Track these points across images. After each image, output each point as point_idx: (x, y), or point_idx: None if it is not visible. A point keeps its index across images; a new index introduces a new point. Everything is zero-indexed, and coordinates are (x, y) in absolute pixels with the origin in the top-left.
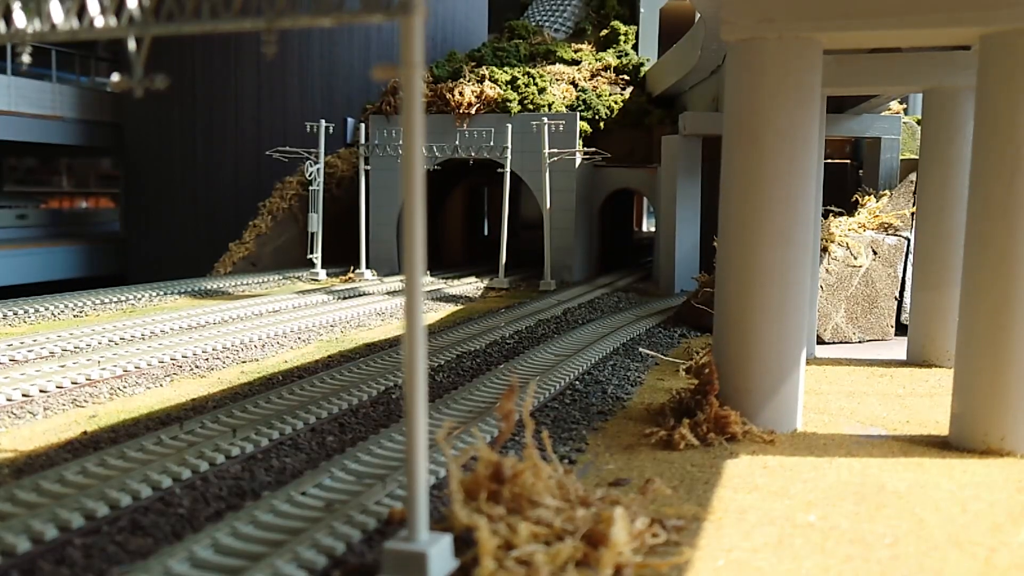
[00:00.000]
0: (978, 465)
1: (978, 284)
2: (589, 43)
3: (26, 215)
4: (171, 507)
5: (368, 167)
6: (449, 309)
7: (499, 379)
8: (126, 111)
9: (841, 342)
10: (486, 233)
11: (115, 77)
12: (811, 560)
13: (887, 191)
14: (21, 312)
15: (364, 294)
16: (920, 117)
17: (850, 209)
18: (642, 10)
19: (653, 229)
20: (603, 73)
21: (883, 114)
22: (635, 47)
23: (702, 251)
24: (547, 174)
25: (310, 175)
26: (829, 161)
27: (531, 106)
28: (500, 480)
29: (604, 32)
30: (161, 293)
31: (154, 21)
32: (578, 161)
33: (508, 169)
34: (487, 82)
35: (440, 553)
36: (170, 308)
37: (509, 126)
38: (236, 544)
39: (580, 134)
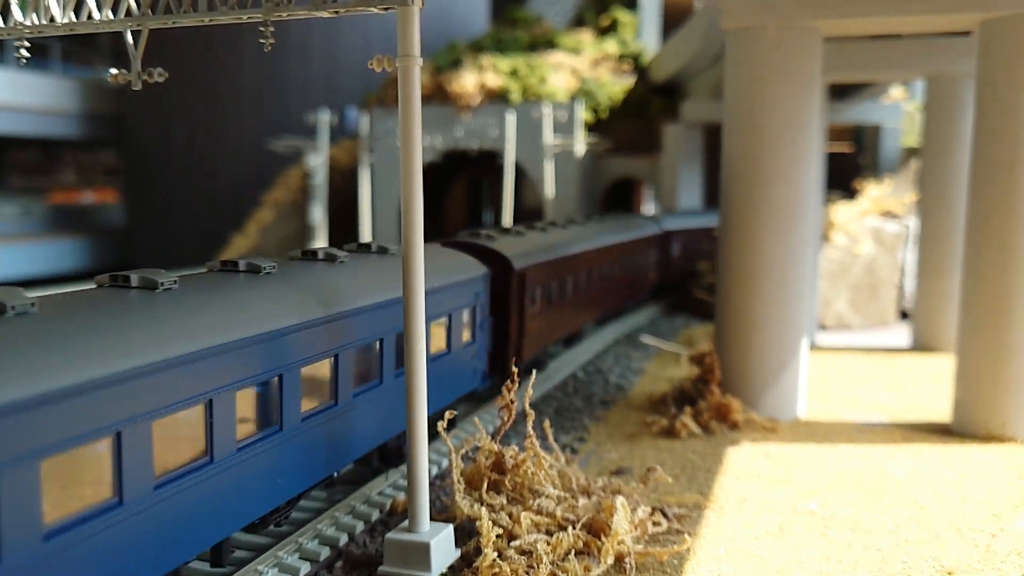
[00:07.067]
0: (979, 452)
1: (979, 271)
2: (591, 29)
3: (30, 209)
4: None
5: (369, 159)
6: None
7: None
8: (128, 104)
9: (843, 329)
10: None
11: (113, 71)
12: (812, 548)
13: (888, 176)
14: None
15: None
16: (921, 104)
17: (852, 196)
18: None
19: None
20: (604, 62)
21: (884, 102)
22: (637, 36)
23: None
24: (549, 164)
25: (313, 167)
26: (830, 150)
27: (533, 96)
28: (502, 470)
29: (605, 21)
30: None
31: (151, 14)
32: (580, 150)
33: (511, 159)
34: (488, 72)
35: (442, 543)
36: None
37: (510, 116)
38: None
39: (582, 124)
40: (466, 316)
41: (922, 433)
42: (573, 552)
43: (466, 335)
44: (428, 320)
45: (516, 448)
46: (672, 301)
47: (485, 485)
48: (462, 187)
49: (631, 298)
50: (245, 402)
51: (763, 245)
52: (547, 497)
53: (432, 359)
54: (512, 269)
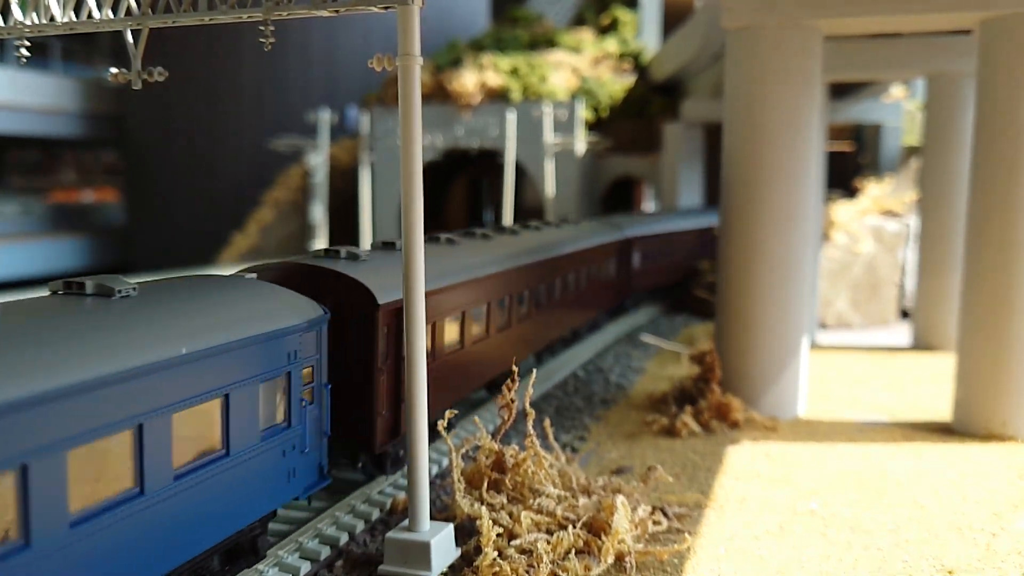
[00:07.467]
0: (979, 451)
1: (979, 270)
2: (592, 28)
3: (30, 208)
4: None
5: (370, 158)
6: None
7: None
8: (128, 104)
9: (844, 328)
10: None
11: (113, 70)
12: (812, 547)
13: (889, 175)
14: None
15: None
16: (922, 103)
17: (852, 195)
18: None
19: None
20: (605, 61)
21: (885, 101)
22: (638, 34)
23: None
24: (549, 163)
25: (313, 166)
26: (831, 149)
27: (533, 95)
28: (502, 469)
29: (605, 20)
30: None
31: (151, 14)
32: (580, 149)
33: (511, 158)
34: (489, 71)
35: (442, 542)
36: None
37: (511, 115)
38: None
39: (582, 123)
40: (268, 391)
41: (922, 432)
42: (573, 551)
43: (271, 418)
44: (172, 409)
45: (516, 447)
46: (667, 304)
47: (485, 484)
48: (462, 186)
49: (579, 323)
50: None
51: (764, 244)
52: (547, 496)
53: (183, 473)
54: (376, 305)
